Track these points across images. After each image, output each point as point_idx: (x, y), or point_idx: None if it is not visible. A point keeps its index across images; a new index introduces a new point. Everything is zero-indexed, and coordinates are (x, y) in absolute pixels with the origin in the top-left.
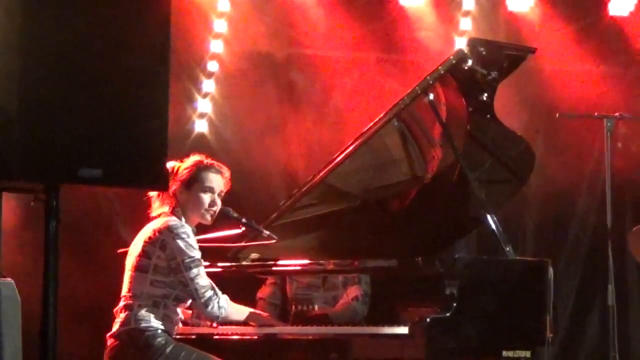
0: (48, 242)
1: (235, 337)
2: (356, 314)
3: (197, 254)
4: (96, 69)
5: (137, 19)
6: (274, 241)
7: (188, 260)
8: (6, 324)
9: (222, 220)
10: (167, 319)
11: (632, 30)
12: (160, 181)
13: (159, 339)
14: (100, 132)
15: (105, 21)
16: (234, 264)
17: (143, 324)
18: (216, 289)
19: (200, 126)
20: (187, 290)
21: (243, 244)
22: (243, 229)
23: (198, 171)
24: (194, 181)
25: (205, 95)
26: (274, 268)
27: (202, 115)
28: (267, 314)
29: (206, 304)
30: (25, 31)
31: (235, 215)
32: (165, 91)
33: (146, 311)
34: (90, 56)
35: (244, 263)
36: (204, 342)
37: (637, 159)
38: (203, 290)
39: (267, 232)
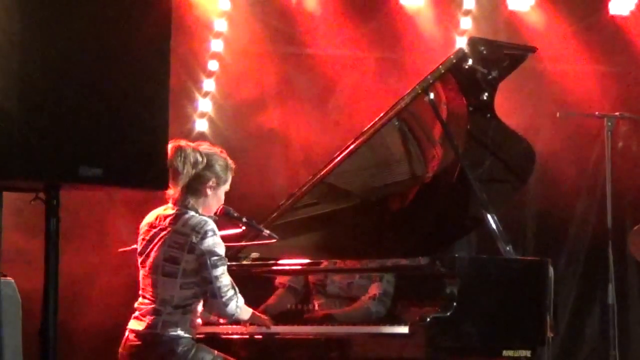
0: (48, 240)
1: (235, 336)
2: (369, 314)
3: (223, 251)
4: (96, 68)
5: (138, 18)
6: (274, 241)
7: (215, 258)
8: (7, 323)
9: (222, 219)
10: (192, 323)
11: (632, 30)
12: (161, 180)
13: (182, 346)
14: (100, 131)
15: (105, 20)
16: (234, 263)
17: (171, 331)
18: (236, 288)
19: (201, 125)
20: (210, 287)
21: (243, 243)
22: (243, 228)
23: (227, 171)
24: (225, 181)
25: (205, 95)
26: (275, 267)
27: (202, 115)
28: (266, 317)
29: (226, 303)
30: (25, 30)
31: (236, 214)
32: (166, 90)
33: (177, 317)
34: (91, 55)
35: (245, 262)
36: (208, 341)
37: (637, 159)
38: (226, 289)
39: (268, 232)
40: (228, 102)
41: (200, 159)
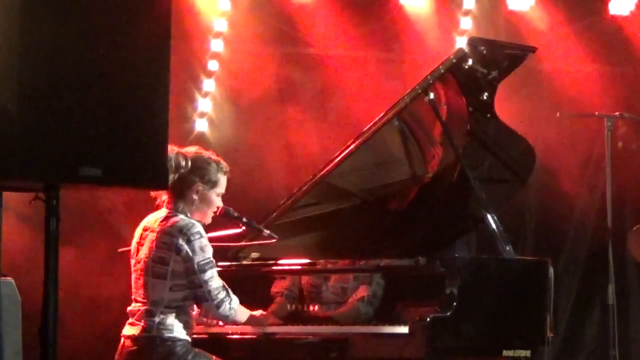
0: (48, 240)
1: (235, 336)
2: (359, 315)
3: (210, 253)
4: (96, 68)
5: (138, 18)
6: (274, 241)
7: (202, 262)
8: (7, 323)
9: (222, 219)
10: (187, 324)
11: (632, 30)
12: (160, 180)
13: (179, 348)
14: (100, 131)
15: (105, 20)
16: (234, 263)
17: (167, 333)
18: (228, 290)
19: (201, 125)
20: (200, 291)
21: (243, 243)
22: (243, 228)
23: (218, 174)
24: (215, 185)
25: (205, 95)
26: (275, 267)
27: (202, 115)
28: (263, 313)
29: (218, 305)
30: (25, 31)
31: (236, 214)
32: (166, 90)
33: (171, 320)
34: (91, 55)
35: (244, 262)
36: (206, 342)
37: (637, 158)
38: (216, 292)
39: (268, 232)
40: (228, 102)
41: (183, 162)
